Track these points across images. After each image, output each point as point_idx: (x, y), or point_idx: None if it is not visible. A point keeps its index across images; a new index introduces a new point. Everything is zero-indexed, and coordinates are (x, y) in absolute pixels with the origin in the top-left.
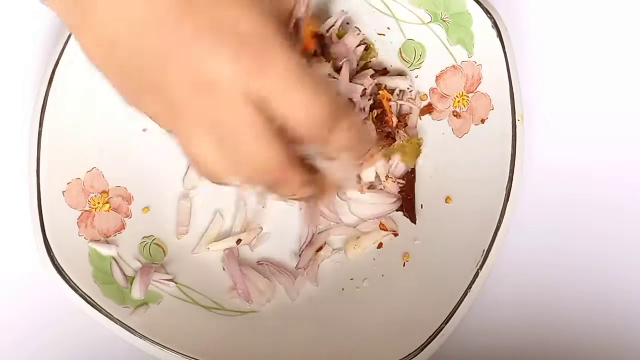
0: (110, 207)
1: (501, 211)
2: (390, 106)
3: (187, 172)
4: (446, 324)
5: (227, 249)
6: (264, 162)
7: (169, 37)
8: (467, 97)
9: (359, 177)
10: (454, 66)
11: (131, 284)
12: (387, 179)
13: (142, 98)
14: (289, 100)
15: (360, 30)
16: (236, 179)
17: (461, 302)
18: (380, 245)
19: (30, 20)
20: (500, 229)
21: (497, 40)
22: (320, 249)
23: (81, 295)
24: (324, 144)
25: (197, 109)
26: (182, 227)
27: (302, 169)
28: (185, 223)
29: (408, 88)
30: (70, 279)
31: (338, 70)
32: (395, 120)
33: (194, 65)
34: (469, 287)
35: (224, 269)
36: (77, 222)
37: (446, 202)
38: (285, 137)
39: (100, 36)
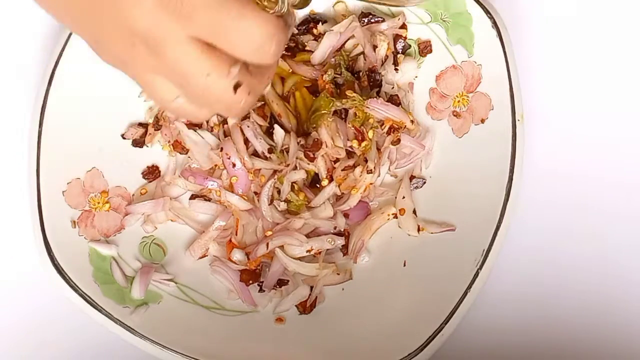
0: (110, 207)
1: (501, 211)
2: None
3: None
4: (446, 324)
5: (215, 261)
6: (221, 90)
7: None
8: (467, 97)
9: None
10: (454, 66)
11: (131, 284)
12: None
13: (101, 53)
14: (227, 38)
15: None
16: (204, 113)
17: (461, 302)
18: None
19: (30, 20)
20: (500, 229)
21: (497, 40)
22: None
23: (81, 295)
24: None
25: (140, 60)
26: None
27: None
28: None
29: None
30: (70, 279)
31: None
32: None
33: (125, 21)
34: (469, 287)
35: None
36: (77, 222)
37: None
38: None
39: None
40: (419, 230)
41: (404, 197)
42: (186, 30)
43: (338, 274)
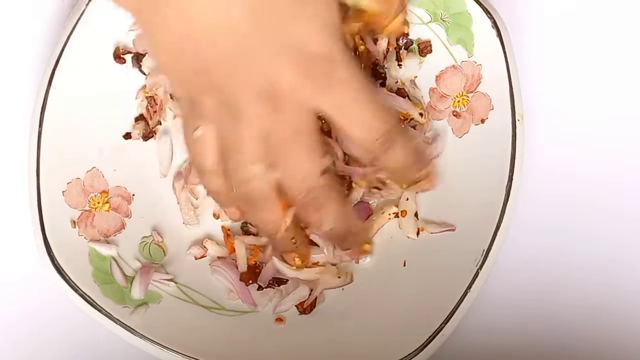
0: (110, 207)
1: (501, 211)
2: None
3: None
4: (446, 324)
5: (215, 260)
6: (309, 172)
7: (242, 44)
8: (467, 97)
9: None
10: (454, 66)
11: (131, 283)
12: None
13: (202, 97)
14: (349, 115)
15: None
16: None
17: (461, 302)
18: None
19: (31, 20)
20: (500, 229)
21: (497, 40)
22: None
23: (81, 295)
24: (376, 163)
25: (257, 114)
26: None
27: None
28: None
29: None
30: (70, 279)
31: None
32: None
33: (264, 74)
34: (469, 287)
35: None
36: (77, 222)
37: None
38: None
39: (174, 35)
40: (418, 233)
41: (407, 199)
42: (317, 100)
43: (339, 277)
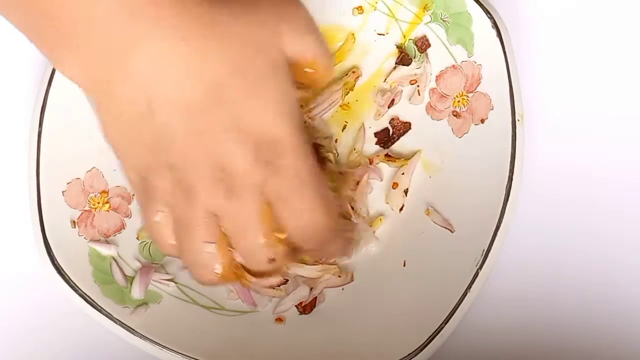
0: (110, 207)
1: (501, 211)
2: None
3: None
4: (446, 324)
5: None
6: (265, 253)
7: (195, 122)
8: (467, 97)
9: None
10: (453, 66)
11: (131, 284)
12: None
13: (155, 177)
14: (287, 206)
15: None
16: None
17: (461, 302)
18: None
19: None
20: (500, 229)
21: (497, 40)
22: None
23: (81, 295)
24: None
25: (210, 195)
26: None
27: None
28: None
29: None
30: (70, 279)
31: None
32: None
33: (216, 154)
34: (469, 287)
35: None
36: (77, 222)
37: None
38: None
39: (128, 113)
40: (402, 209)
41: (403, 174)
42: (266, 185)
43: (339, 276)
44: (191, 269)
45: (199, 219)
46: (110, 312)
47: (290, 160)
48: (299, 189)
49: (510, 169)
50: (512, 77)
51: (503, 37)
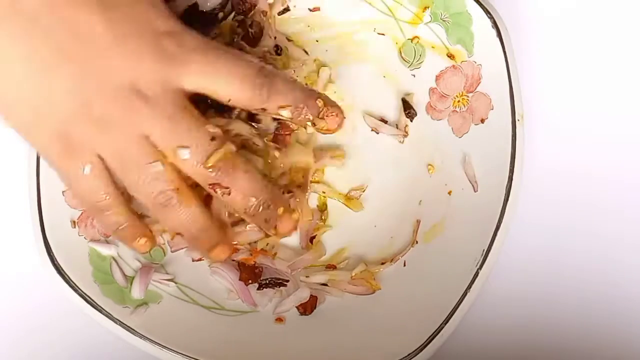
0: None
1: (501, 211)
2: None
3: None
4: (446, 324)
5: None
6: (201, 147)
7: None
8: (467, 97)
9: None
10: (453, 66)
11: (131, 283)
12: None
13: (70, 129)
14: (216, 76)
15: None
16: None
17: (461, 302)
18: None
19: None
20: (500, 229)
21: (497, 40)
22: None
23: (81, 295)
24: (268, 107)
25: (130, 114)
26: None
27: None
28: None
29: None
30: (70, 279)
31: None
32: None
33: (122, 76)
34: (469, 287)
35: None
36: (77, 222)
37: (447, 198)
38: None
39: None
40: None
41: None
42: (178, 79)
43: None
44: (147, 199)
45: (129, 142)
46: (110, 312)
47: (193, 41)
48: (217, 57)
49: (510, 169)
50: (512, 77)
51: (503, 37)
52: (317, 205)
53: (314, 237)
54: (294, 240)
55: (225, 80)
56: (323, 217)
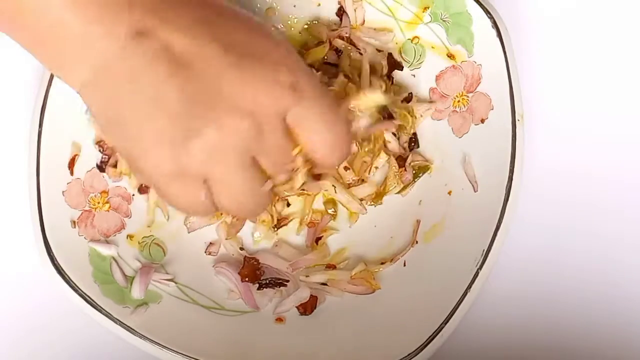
0: (110, 207)
1: (501, 211)
2: None
3: None
4: (446, 324)
5: (219, 262)
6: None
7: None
8: (467, 97)
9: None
10: (453, 66)
11: (131, 283)
12: None
13: (190, 143)
14: (312, 131)
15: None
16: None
17: (461, 302)
18: None
19: None
20: (500, 229)
21: (497, 40)
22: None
23: (81, 295)
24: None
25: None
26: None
27: None
28: None
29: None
30: (70, 279)
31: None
32: None
33: (242, 102)
34: (469, 287)
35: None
36: (77, 222)
37: (447, 197)
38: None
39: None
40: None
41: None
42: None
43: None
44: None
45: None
46: (110, 312)
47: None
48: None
49: (510, 169)
50: (512, 77)
51: (503, 37)
52: (324, 203)
53: (319, 238)
54: (299, 238)
55: (319, 138)
56: (333, 212)
